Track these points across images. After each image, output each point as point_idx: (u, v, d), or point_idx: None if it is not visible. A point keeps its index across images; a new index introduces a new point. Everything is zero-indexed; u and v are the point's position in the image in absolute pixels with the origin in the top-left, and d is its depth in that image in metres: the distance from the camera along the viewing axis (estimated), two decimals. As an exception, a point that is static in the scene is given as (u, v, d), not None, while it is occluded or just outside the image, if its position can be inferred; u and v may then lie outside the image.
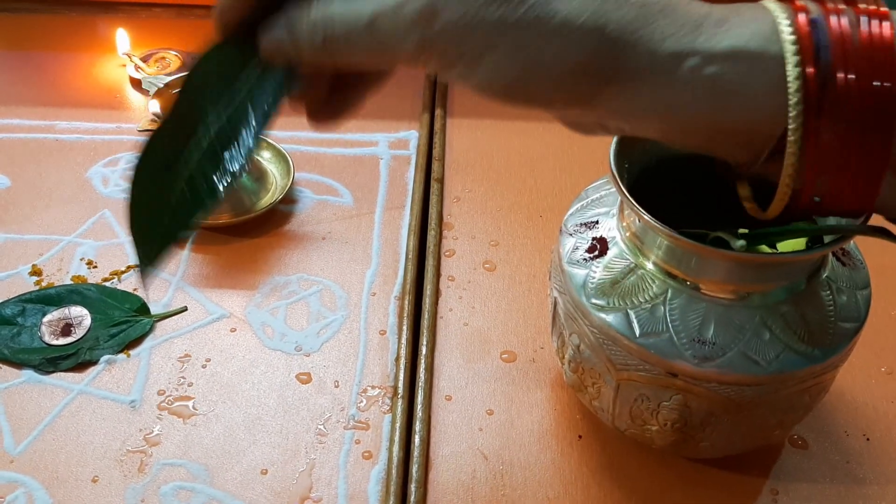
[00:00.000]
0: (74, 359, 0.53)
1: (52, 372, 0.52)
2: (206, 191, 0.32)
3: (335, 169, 0.68)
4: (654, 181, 0.42)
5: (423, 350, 0.53)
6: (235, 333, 0.55)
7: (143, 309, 0.56)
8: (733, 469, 0.48)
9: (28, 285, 0.57)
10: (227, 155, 0.33)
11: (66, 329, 0.54)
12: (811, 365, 0.38)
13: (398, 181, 0.67)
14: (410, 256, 0.60)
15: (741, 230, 0.38)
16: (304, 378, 0.52)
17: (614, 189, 0.41)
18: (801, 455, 0.49)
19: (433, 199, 0.65)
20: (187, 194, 0.32)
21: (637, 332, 0.39)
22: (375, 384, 0.52)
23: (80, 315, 0.55)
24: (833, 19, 0.29)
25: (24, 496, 0.46)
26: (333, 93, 0.36)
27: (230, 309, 0.56)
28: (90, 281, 0.58)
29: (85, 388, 0.52)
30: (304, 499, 0.46)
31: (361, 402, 0.51)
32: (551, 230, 0.63)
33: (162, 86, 0.60)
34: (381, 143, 0.71)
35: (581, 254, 0.42)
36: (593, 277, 0.41)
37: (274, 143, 0.67)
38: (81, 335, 0.54)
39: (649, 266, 0.40)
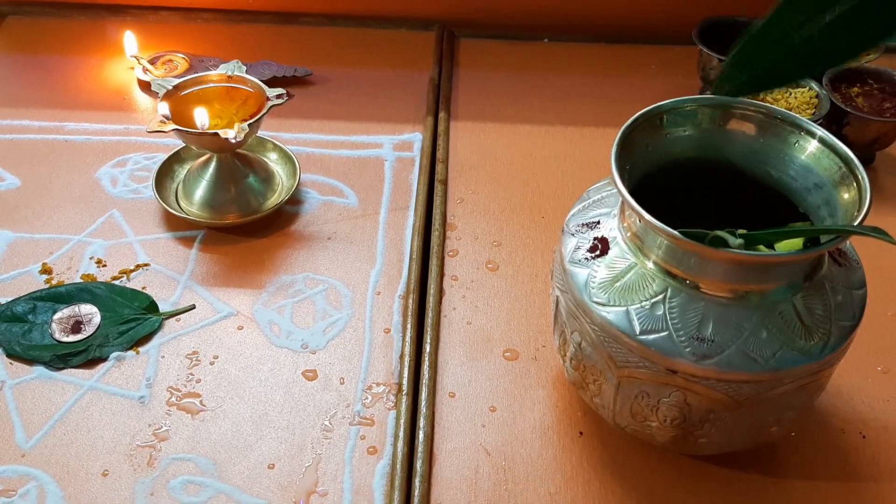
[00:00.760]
0: (84, 355, 0.54)
1: (63, 368, 0.53)
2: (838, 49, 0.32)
3: (340, 170, 0.69)
4: (654, 182, 0.42)
5: (427, 348, 0.54)
6: (243, 331, 0.56)
7: (152, 307, 0.57)
8: (732, 465, 0.48)
9: (38, 283, 0.58)
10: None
11: (76, 326, 0.55)
12: (808, 363, 0.39)
13: (402, 183, 0.68)
14: (414, 256, 0.61)
15: (740, 231, 0.39)
16: (311, 375, 0.53)
17: (615, 190, 0.42)
18: (797, 452, 0.49)
19: (437, 200, 0.65)
20: (816, 43, 0.32)
21: (637, 330, 0.40)
22: (380, 381, 0.53)
23: (90, 313, 0.56)
24: None
25: (36, 489, 0.47)
26: None
27: (237, 307, 0.57)
28: (99, 279, 0.59)
29: (95, 384, 0.52)
30: (310, 493, 0.47)
31: (366, 398, 0.52)
32: (553, 231, 0.63)
33: (170, 88, 0.61)
34: (386, 145, 0.71)
35: (583, 253, 0.43)
36: (595, 276, 0.42)
37: (280, 145, 0.67)
38: (91, 332, 0.55)
39: (650, 265, 0.41)
